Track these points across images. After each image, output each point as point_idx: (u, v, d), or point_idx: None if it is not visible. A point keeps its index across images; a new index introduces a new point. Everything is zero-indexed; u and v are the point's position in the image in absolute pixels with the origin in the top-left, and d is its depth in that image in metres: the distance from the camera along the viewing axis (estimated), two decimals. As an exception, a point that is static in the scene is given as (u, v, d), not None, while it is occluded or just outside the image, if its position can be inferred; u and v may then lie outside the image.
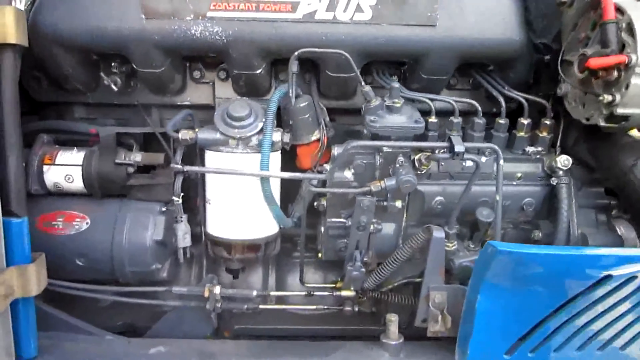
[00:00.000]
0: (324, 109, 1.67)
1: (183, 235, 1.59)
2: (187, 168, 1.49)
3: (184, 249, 1.63)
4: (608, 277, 1.24)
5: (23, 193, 1.37)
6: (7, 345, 1.32)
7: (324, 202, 1.62)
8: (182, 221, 1.59)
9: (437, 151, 1.49)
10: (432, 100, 1.59)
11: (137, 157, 1.66)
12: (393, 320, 1.48)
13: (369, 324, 1.84)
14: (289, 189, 1.70)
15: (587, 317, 1.33)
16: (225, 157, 1.53)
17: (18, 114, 1.30)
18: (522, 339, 1.36)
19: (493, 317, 1.32)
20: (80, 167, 1.63)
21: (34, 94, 1.73)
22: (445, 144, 1.44)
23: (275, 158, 1.58)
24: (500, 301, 1.29)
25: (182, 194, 1.54)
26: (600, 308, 1.31)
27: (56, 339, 1.53)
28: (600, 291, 1.27)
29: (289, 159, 1.67)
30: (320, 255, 1.71)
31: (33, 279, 1.35)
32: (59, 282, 1.57)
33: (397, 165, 1.48)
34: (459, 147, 1.39)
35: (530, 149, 1.65)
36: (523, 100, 1.61)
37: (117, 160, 1.64)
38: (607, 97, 1.30)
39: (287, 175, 1.54)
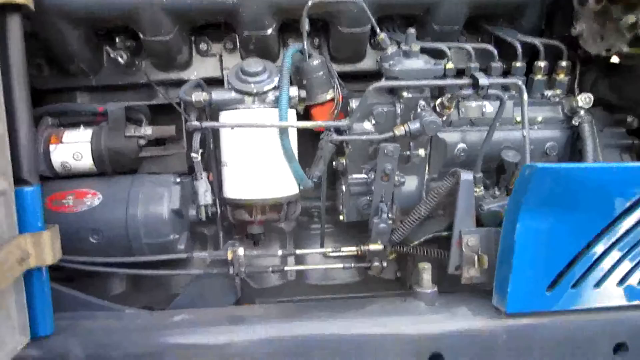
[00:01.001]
0: (335, 72, 1.65)
1: (204, 192, 1.54)
2: (205, 124, 1.44)
3: (206, 206, 1.57)
4: (650, 194, 1.21)
5: (34, 160, 1.30)
6: (21, 320, 1.24)
7: (343, 160, 1.59)
8: (202, 178, 1.54)
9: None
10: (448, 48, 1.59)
11: (148, 130, 1.63)
12: (426, 267, 1.41)
13: (394, 289, 1.77)
14: (304, 155, 1.65)
15: (629, 244, 1.29)
16: (242, 114, 1.49)
17: (27, 78, 1.25)
18: (563, 272, 1.32)
19: (533, 248, 1.27)
20: (89, 144, 1.58)
21: (35, 82, 1.67)
22: (468, 80, 1.42)
23: (292, 116, 1.54)
24: (539, 229, 1.25)
25: (201, 150, 1.48)
26: (641, 233, 1.28)
27: (73, 318, 1.43)
28: (642, 211, 1.23)
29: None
30: (342, 217, 1.66)
31: (47, 246, 1.27)
32: (74, 257, 1.49)
33: (419, 110, 1.46)
34: (483, 81, 1.36)
35: (548, 93, 1.64)
36: (538, 43, 1.60)
37: (127, 134, 1.60)
38: (631, 18, 1.30)
39: (309, 124, 1.50)
